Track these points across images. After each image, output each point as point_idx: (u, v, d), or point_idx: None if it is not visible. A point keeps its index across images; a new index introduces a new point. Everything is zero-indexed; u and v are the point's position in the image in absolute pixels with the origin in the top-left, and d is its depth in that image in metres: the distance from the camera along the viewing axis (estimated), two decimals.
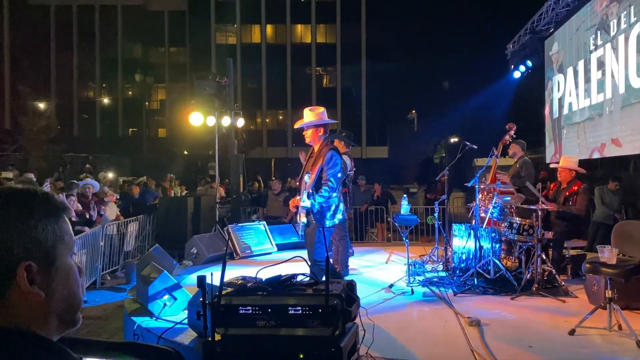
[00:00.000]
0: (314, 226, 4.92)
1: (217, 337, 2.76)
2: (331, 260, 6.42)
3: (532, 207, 5.77)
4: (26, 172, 8.91)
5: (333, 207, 4.91)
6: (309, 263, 4.90)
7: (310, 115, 5.10)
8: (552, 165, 7.89)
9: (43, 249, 0.93)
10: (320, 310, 2.58)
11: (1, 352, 0.85)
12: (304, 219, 4.92)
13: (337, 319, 2.56)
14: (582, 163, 8.40)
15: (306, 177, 4.85)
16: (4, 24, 36.12)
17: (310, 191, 4.84)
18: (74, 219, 7.99)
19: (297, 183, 6.01)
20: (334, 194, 4.95)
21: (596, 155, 10.38)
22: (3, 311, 0.90)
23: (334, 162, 4.89)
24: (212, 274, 2.97)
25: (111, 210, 9.81)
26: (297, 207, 5.08)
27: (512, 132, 7.18)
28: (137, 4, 38.70)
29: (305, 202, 4.81)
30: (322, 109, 5.20)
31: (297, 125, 5.31)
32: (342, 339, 2.59)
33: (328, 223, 4.91)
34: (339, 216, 5.00)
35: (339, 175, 5.02)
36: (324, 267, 4.79)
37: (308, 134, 5.12)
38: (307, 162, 5.21)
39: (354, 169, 7.22)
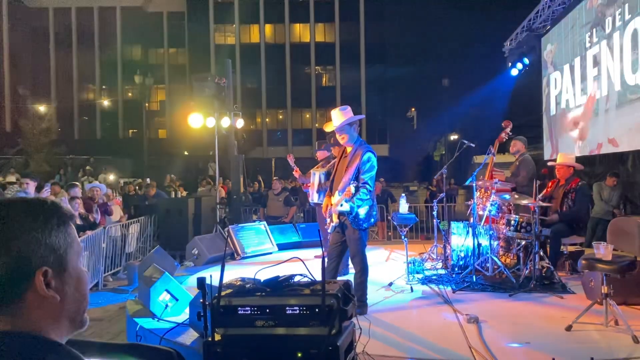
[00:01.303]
0: (352, 229, 4.83)
1: (218, 337, 2.82)
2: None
3: (529, 203, 5.81)
4: (27, 176, 8.92)
5: (368, 209, 4.81)
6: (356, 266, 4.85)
7: (341, 115, 4.91)
8: (549, 164, 7.92)
9: (57, 255, 1.00)
10: (317, 310, 2.63)
11: (16, 356, 0.91)
12: (336, 220, 4.88)
13: (334, 318, 2.61)
14: (580, 159, 8.44)
15: (352, 188, 4.68)
16: (3, 27, 36.17)
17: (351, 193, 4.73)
18: (78, 221, 8.03)
19: (328, 184, 5.63)
20: (371, 199, 4.84)
21: (594, 154, 10.42)
22: (20, 313, 0.96)
23: (371, 164, 4.77)
24: (211, 276, 3.02)
25: (115, 212, 9.84)
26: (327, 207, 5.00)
27: (508, 130, 7.21)
28: (136, 5, 38.76)
29: (344, 206, 4.71)
30: (349, 107, 5.07)
31: (328, 129, 5.12)
32: (339, 337, 2.64)
33: (364, 225, 4.87)
34: (373, 219, 4.92)
35: (374, 177, 4.87)
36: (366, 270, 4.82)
37: (344, 135, 4.91)
38: (339, 162, 5.11)
39: None
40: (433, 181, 16.80)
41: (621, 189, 9.27)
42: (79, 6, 38.67)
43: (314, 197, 6.70)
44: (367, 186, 4.74)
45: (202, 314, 2.91)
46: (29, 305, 0.96)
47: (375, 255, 8.09)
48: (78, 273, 1.04)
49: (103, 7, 38.79)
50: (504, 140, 7.28)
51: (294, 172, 7.46)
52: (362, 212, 4.77)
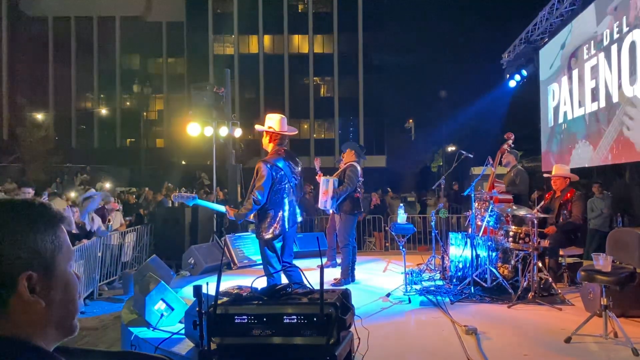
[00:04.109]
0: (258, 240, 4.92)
1: (213, 346, 2.77)
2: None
3: (528, 215, 5.79)
4: (25, 184, 8.88)
5: (268, 220, 4.78)
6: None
7: (266, 120, 5.06)
8: (545, 175, 7.95)
9: (43, 259, 0.96)
10: (315, 319, 2.60)
11: None
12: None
13: (332, 328, 2.58)
14: (578, 171, 8.43)
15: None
16: (2, 35, 36.23)
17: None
18: (74, 231, 7.98)
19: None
20: (273, 209, 4.80)
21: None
22: (4, 320, 0.92)
23: (260, 174, 4.76)
24: (207, 284, 2.99)
25: (116, 219, 9.76)
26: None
27: (510, 142, 7.25)
28: (135, 14, 38.91)
29: (230, 213, 4.88)
30: (278, 117, 5.04)
31: (257, 127, 5.25)
32: (337, 347, 2.61)
33: (265, 236, 4.80)
34: (273, 231, 4.78)
35: (267, 187, 4.76)
36: (273, 280, 4.76)
37: (263, 140, 5.08)
38: None
39: (362, 178, 7.31)
40: (427, 193, 16.74)
41: (610, 198, 9.33)
42: (79, 15, 38.79)
43: (327, 204, 6.74)
44: (253, 197, 4.73)
45: (198, 322, 2.87)
46: (12, 311, 0.92)
47: (373, 266, 8.05)
48: (67, 278, 1.00)
49: (102, 16, 38.90)
50: (506, 152, 7.33)
51: (317, 177, 7.40)
52: (261, 221, 4.78)
